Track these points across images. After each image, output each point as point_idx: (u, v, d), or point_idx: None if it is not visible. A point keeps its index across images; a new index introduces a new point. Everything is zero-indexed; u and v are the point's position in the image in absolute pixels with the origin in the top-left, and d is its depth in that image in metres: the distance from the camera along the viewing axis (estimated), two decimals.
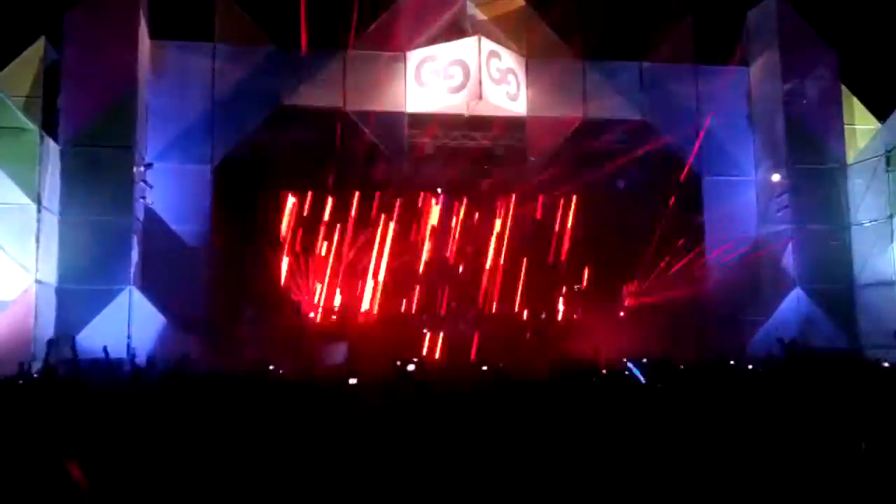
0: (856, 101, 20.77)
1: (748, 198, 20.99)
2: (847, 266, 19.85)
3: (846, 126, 20.48)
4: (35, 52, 17.50)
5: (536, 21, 20.27)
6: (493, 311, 21.28)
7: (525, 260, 21.34)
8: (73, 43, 17.25)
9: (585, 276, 21.51)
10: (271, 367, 14.91)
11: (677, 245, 20.42)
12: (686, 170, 20.61)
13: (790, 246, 19.80)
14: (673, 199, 20.41)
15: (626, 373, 11.93)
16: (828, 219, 19.98)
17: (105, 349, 14.11)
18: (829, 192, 20.07)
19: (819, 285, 19.46)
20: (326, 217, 20.89)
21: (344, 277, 21.04)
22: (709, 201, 20.75)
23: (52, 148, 16.73)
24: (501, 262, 21.42)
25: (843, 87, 20.55)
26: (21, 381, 10.52)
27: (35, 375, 12.68)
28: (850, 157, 20.31)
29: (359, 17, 19.13)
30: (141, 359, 14.85)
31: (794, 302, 19.40)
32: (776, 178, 20.25)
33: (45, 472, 4.86)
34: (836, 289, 19.56)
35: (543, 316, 21.22)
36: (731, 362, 14.94)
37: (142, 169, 17.81)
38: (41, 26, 17.77)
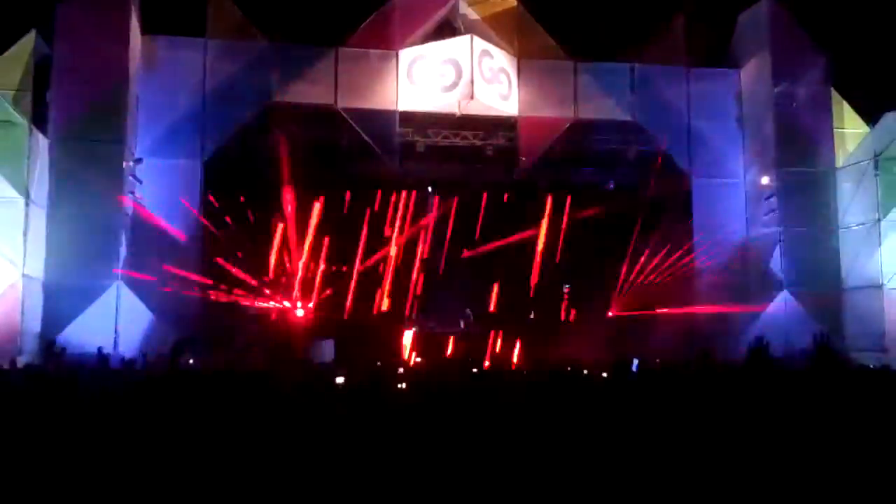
0: (845, 105, 20.83)
1: (737, 200, 21.06)
2: (834, 269, 19.95)
3: (835, 130, 20.56)
4: (25, 45, 17.39)
5: (529, 21, 20.30)
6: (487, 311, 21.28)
7: (515, 260, 21.30)
8: (64, 37, 17.22)
9: (575, 276, 21.48)
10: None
11: (666, 246, 20.44)
12: (675, 171, 20.69)
13: (778, 248, 19.89)
14: (662, 200, 20.45)
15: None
16: (816, 222, 20.07)
17: (99, 349, 14.13)
18: (818, 195, 20.17)
19: (806, 288, 19.55)
20: (316, 214, 20.84)
21: (334, 275, 21.00)
22: (698, 203, 20.80)
23: (42, 142, 16.69)
24: (491, 261, 21.37)
25: (833, 91, 20.64)
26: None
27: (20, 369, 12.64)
28: (839, 160, 20.40)
29: (351, 15, 19.15)
30: (129, 354, 14.84)
31: (781, 304, 19.51)
32: (765, 180, 20.34)
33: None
34: (824, 292, 19.63)
35: (532, 316, 21.24)
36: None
37: (131, 164, 17.78)
38: (32, 20, 17.71)
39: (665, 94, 20.79)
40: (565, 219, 21.39)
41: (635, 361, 18.01)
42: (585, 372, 11.72)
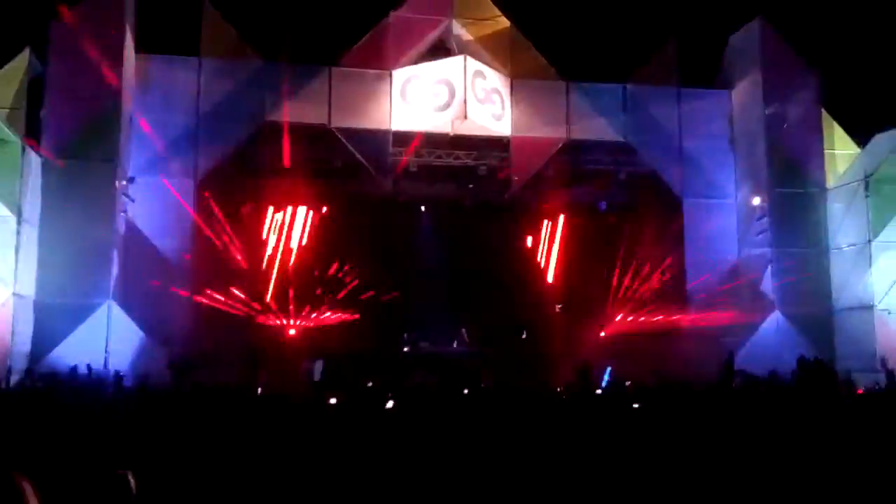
0: (836, 126, 20.96)
1: (729, 220, 21.11)
2: (825, 290, 20.01)
3: (826, 151, 20.67)
4: (19, 63, 17.48)
5: (522, 42, 20.42)
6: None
7: (508, 280, 21.29)
8: (58, 55, 17.25)
9: (567, 296, 21.47)
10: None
11: (658, 266, 20.49)
12: (667, 192, 20.76)
13: (769, 269, 19.94)
14: (654, 220, 20.53)
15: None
16: (807, 243, 20.14)
17: (88, 366, 14.07)
18: (809, 216, 20.25)
19: (798, 309, 19.57)
20: (309, 232, 20.83)
21: (325, 293, 20.95)
22: (689, 223, 20.83)
23: (34, 160, 16.66)
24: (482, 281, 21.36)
25: (824, 112, 20.75)
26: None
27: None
28: (830, 181, 20.50)
29: (345, 35, 19.24)
30: (121, 373, 14.79)
31: (772, 325, 19.53)
32: (756, 201, 20.42)
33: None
34: (815, 312, 19.67)
35: (525, 336, 21.22)
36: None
37: (124, 183, 17.78)
38: (26, 38, 17.76)
39: (657, 114, 20.87)
40: (557, 239, 21.45)
41: (608, 369, 18.10)
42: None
